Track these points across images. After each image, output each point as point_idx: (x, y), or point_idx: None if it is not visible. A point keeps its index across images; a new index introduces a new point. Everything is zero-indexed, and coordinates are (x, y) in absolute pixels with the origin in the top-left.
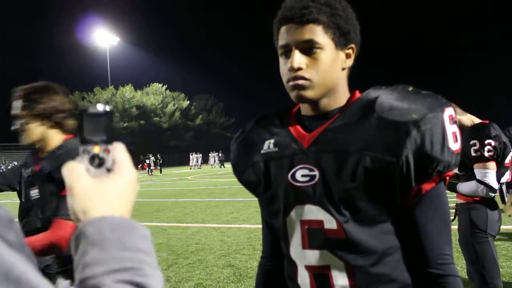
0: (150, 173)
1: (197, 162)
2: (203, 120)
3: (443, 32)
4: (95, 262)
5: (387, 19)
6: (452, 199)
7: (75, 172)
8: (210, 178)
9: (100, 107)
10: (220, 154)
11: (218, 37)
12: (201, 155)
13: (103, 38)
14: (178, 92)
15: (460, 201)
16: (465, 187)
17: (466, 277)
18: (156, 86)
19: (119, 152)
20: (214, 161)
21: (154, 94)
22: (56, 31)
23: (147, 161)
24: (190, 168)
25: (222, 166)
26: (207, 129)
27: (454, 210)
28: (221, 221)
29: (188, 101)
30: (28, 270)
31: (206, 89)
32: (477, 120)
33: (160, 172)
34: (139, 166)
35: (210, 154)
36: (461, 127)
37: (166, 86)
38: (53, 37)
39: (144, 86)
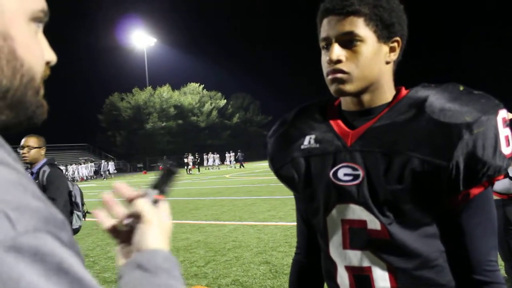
0: (188, 172)
1: (214, 162)
2: (240, 119)
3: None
4: (150, 284)
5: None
6: None
7: (156, 210)
8: (247, 176)
9: (177, 170)
10: (239, 154)
11: (254, 35)
12: (218, 155)
13: (141, 39)
14: (215, 91)
15: (494, 197)
16: (498, 184)
17: (505, 274)
18: (193, 85)
19: (163, 203)
20: (230, 161)
21: (191, 94)
22: (95, 33)
23: (185, 160)
24: (206, 168)
25: (241, 167)
26: (244, 127)
27: None
28: (258, 219)
29: (225, 100)
30: (75, 263)
31: (242, 87)
32: (510, 116)
33: (198, 171)
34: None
35: (226, 154)
36: None
37: (203, 85)
38: (92, 39)
39: (181, 86)
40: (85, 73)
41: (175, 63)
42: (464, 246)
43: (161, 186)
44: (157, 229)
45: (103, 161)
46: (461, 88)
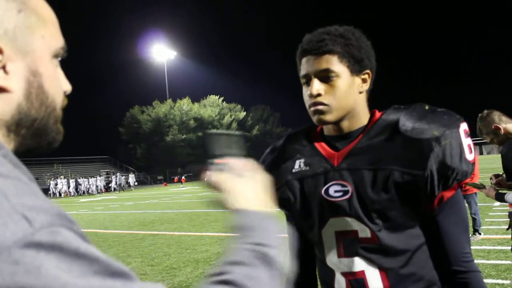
0: None
1: None
2: (260, 131)
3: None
4: (262, 237)
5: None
6: (506, 208)
7: (230, 179)
8: None
9: (218, 130)
10: None
11: (274, 47)
12: None
13: (161, 52)
14: (235, 104)
15: (511, 209)
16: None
17: None
18: (213, 98)
19: (233, 162)
20: None
21: (211, 106)
22: (116, 47)
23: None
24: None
25: None
26: (264, 139)
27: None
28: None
29: (245, 112)
30: (90, 247)
31: (262, 99)
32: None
33: None
34: (175, 179)
35: None
36: (508, 134)
37: (223, 97)
38: (114, 52)
39: (201, 99)
40: (106, 86)
41: (195, 76)
42: (442, 243)
43: (214, 151)
44: (235, 193)
45: (118, 173)
46: (427, 107)
